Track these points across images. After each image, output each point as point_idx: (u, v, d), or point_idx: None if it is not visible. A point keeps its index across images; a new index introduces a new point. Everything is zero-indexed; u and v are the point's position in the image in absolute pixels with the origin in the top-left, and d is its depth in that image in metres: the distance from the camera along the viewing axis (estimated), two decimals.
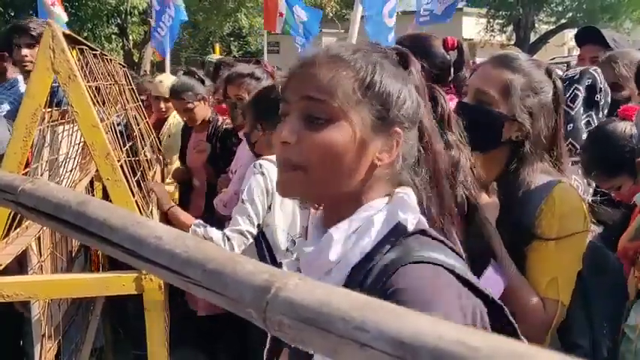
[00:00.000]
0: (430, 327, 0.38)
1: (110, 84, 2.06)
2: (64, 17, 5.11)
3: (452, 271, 0.80)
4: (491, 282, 1.39)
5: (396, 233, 0.85)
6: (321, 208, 0.97)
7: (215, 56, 7.42)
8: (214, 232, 2.15)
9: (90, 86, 1.37)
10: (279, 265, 1.05)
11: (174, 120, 3.86)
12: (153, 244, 0.57)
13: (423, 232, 0.86)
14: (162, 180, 3.26)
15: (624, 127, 1.80)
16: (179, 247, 0.55)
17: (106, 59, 2.15)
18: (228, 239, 2.13)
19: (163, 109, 3.83)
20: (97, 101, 1.51)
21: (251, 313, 0.47)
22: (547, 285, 1.42)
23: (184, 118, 3.39)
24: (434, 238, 0.87)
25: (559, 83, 1.55)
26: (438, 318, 0.39)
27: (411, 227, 0.85)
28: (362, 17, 3.78)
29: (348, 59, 0.87)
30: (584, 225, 1.46)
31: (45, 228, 1.65)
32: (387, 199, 0.89)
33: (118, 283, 1.29)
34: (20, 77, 3.11)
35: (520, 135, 1.49)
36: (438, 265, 0.80)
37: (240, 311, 0.49)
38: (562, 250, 1.42)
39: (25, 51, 3.03)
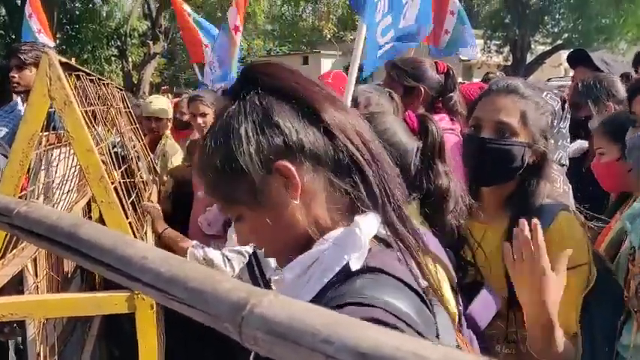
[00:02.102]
0: (389, 339, 0.41)
1: (107, 107, 2.11)
2: (51, 44, 5.23)
3: (394, 315, 0.72)
4: (487, 303, 1.41)
5: (345, 272, 0.80)
6: None
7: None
8: (213, 254, 2.16)
9: (86, 111, 1.41)
10: (269, 282, 1.06)
11: (168, 140, 3.91)
12: (139, 263, 0.60)
13: (376, 270, 0.79)
14: (159, 201, 3.29)
15: None
16: (163, 266, 0.58)
17: (103, 83, 2.19)
18: (229, 260, 2.15)
19: (155, 129, 3.88)
20: (93, 125, 1.55)
21: (228, 328, 0.50)
22: (572, 321, 1.43)
23: (199, 123, 3.46)
24: (388, 274, 0.79)
25: (554, 103, 1.60)
26: (396, 332, 0.42)
27: (354, 267, 0.79)
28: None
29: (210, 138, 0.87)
30: (588, 256, 1.47)
31: (41, 250, 1.68)
32: (338, 235, 0.84)
33: (111, 303, 1.32)
34: (19, 99, 3.16)
35: (536, 158, 1.53)
36: (378, 307, 0.73)
37: (218, 326, 0.52)
38: (570, 282, 1.41)
39: (13, 73, 3.09)
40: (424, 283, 0.85)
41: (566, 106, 2.04)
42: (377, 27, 2.67)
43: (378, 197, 0.85)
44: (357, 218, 0.83)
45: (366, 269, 0.79)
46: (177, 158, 3.77)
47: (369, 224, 0.83)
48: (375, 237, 0.85)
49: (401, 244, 0.84)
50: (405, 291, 0.78)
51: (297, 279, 0.83)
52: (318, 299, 0.79)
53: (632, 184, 1.78)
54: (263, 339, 0.46)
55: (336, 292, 0.78)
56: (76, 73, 1.50)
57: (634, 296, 1.50)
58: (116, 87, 2.77)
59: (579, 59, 3.26)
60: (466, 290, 1.40)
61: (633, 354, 1.50)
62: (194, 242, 2.31)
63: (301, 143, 0.82)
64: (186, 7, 6.66)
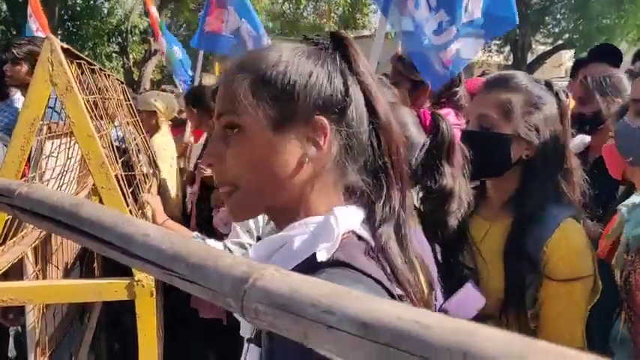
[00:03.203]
0: (390, 309, 0.41)
1: (107, 98, 2.11)
2: None
3: None
4: (471, 298, 1.37)
5: (312, 262, 0.75)
6: None
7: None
8: (214, 244, 2.17)
9: (87, 99, 1.41)
10: None
11: (161, 139, 3.91)
12: (140, 240, 0.60)
13: (344, 264, 0.75)
14: (159, 194, 3.29)
15: None
16: (165, 243, 0.58)
17: (104, 74, 2.19)
18: (230, 251, 2.15)
19: (153, 123, 3.89)
20: (95, 115, 1.55)
21: (230, 302, 0.50)
22: (578, 333, 1.42)
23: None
24: (357, 270, 0.75)
25: (562, 95, 1.54)
26: (398, 302, 0.42)
27: (320, 259, 0.74)
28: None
29: (249, 62, 0.82)
30: (592, 268, 1.44)
31: (41, 237, 1.68)
32: (319, 219, 0.80)
33: (111, 289, 1.32)
34: (19, 93, 3.17)
35: (530, 153, 1.49)
36: None
37: (220, 302, 0.52)
38: (574, 293, 1.41)
39: (6, 67, 3.10)
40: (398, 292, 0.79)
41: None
42: (425, 24, 2.57)
43: (390, 213, 0.83)
44: (335, 209, 0.80)
45: (333, 262, 0.75)
46: (162, 163, 3.75)
47: (348, 217, 0.80)
48: (354, 233, 0.81)
49: (386, 266, 0.79)
50: (370, 285, 0.74)
51: (264, 259, 0.79)
52: None
53: (635, 176, 1.77)
54: (265, 312, 0.47)
55: None
56: (78, 61, 1.50)
57: (623, 286, 1.49)
58: (117, 79, 2.77)
59: (599, 55, 3.20)
60: (456, 287, 1.37)
61: (619, 346, 1.49)
62: (195, 233, 2.31)
63: (349, 119, 0.82)
64: (154, 11, 7.37)
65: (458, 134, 2.01)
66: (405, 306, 0.41)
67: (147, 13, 21.36)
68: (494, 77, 1.59)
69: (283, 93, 0.79)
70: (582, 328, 1.43)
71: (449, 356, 0.36)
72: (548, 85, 1.57)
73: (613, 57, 3.07)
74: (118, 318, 3.05)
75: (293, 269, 0.73)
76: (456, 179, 1.33)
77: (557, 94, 1.54)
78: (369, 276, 0.75)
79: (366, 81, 0.84)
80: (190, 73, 7.44)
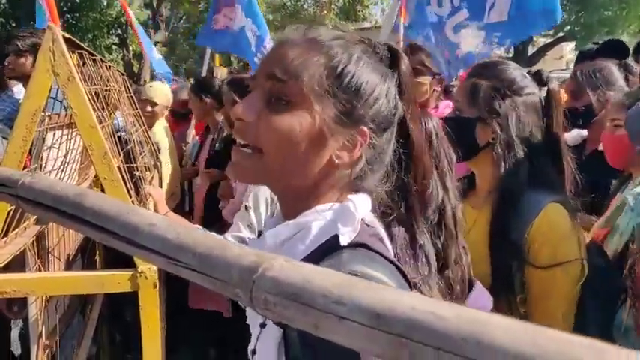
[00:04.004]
0: (404, 299, 0.40)
1: (108, 89, 2.10)
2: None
3: None
4: (484, 297, 1.38)
5: (331, 245, 0.77)
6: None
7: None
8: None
9: (89, 90, 1.40)
10: None
11: (159, 128, 3.90)
12: (146, 230, 0.59)
13: (362, 245, 0.78)
14: (160, 186, 3.29)
15: None
16: (170, 233, 0.57)
17: (106, 65, 2.18)
18: None
19: (149, 113, 3.88)
20: (97, 106, 1.54)
21: (238, 293, 0.49)
22: (562, 320, 1.41)
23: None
24: (374, 251, 0.78)
25: (552, 85, 1.54)
26: (412, 292, 0.41)
27: (344, 242, 0.77)
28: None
29: (324, 45, 0.81)
30: (578, 252, 1.44)
31: (43, 230, 1.67)
32: (334, 205, 0.82)
33: (114, 281, 1.32)
34: (20, 85, 3.15)
35: (494, 137, 1.49)
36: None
37: (228, 292, 0.51)
38: (556, 278, 1.41)
39: (9, 59, 3.07)
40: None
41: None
42: (446, 21, 2.58)
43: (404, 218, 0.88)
44: (350, 196, 0.82)
45: (351, 244, 0.78)
46: (164, 154, 3.74)
47: (362, 204, 0.82)
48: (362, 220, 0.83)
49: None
50: (387, 266, 0.77)
51: (280, 245, 0.80)
52: None
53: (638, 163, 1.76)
54: (274, 302, 0.46)
55: (322, 264, 0.75)
56: (80, 51, 1.49)
57: (627, 274, 1.49)
58: (118, 71, 2.76)
59: (614, 50, 3.19)
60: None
61: (623, 336, 1.49)
62: (196, 226, 2.31)
63: (385, 138, 0.85)
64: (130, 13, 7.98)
65: None
66: (418, 296, 0.40)
67: (147, 5, 21.36)
68: (473, 66, 1.61)
69: (349, 93, 0.80)
70: (569, 311, 1.43)
71: (464, 346, 0.36)
72: (536, 74, 1.58)
73: (621, 53, 3.07)
74: (120, 310, 3.06)
75: (311, 253, 0.77)
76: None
77: (545, 84, 1.55)
78: (387, 258, 0.78)
79: (411, 112, 0.88)
80: (169, 69, 7.71)
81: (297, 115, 0.79)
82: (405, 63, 0.88)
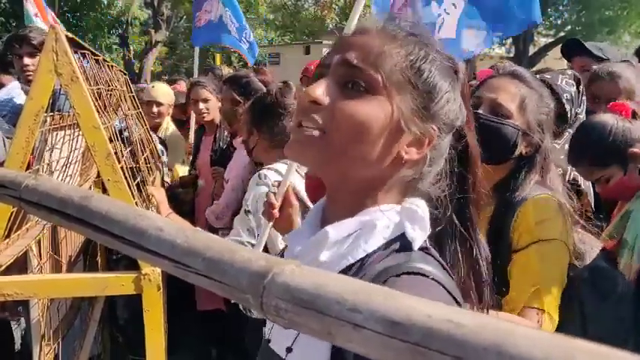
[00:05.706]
0: (420, 307, 0.39)
1: (111, 89, 2.09)
2: (45, 29, 5.19)
3: (443, 286, 0.74)
4: None
5: (397, 244, 0.78)
6: (321, 201, 0.90)
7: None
8: None
9: (92, 90, 1.39)
10: None
11: (168, 126, 3.89)
12: (154, 235, 0.58)
13: (424, 249, 0.80)
14: (162, 186, 3.28)
15: (615, 119, 1.75)
16: (179, 237, 0.56)
17: (108, 65, 2.17)
18: None
19: (155, 114, 3.86)
20: (99, 106, 1.53)
21: (248, 299, 0.48)
22: (531, 295, 1.41)
23: (200, 109, 3.45)
24: (431, 256, 0.80)
25: (563, 99, 1.60)
26: (426, 299, 0.40)
27: (417, 246, 0.78)
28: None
29: (402, 39, 0.81)
30: (562, 235, 1.45)
31: (45, 231, 1.66)
32: (396, 207, 0.82)
33: (117, 283, 1.31)
34: (14, 84, 3.11)
35: (530, 149, 1.52)
36: (432, 279, 0.74)
37: (237, 298, 0.50)
38: (536, 258, 1.42)
39: (27, 60, 3.04)
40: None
41: (582, 88, 1.98)
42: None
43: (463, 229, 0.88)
44: (413, 199, 0.83)
45: (421, 248, 0.79)
46: (176, 153, 3.73)
47: (426, 209, 0.83)
48: None
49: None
50: (447, 273, 0.79)
51: (343, 239, 0.79)
52: (356, 268, 0.77)
53: None
54: (286, 309, 0.45)
55: (386, 261, 0.76)
56: (82, 51, 1.48)
57: None
58: (120, 70, 2.75)
59: (574, 49, 3.25)
60: None
61: None
62: (197, 229, 2.29)
63: (445, 142, 0.85)
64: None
65: None
66: (435, 303, 0.39)
67: (147, 4, 21.33)
68: (512, 70, 1.62)
69: (427, 88, 0.80)
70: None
71: (484, 356, 0.35)
72: (551, 87, 1.62)
73: (586, 52, 3.07)
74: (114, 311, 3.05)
75: (376, 250, 0.78)
76: None
77: (557, 99, 1.59)
78: (442, 264, 0.79)
79: (469, 120, 0.89)
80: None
81: (375, 103, 0.78)
82: (463, 72, 0.88)
